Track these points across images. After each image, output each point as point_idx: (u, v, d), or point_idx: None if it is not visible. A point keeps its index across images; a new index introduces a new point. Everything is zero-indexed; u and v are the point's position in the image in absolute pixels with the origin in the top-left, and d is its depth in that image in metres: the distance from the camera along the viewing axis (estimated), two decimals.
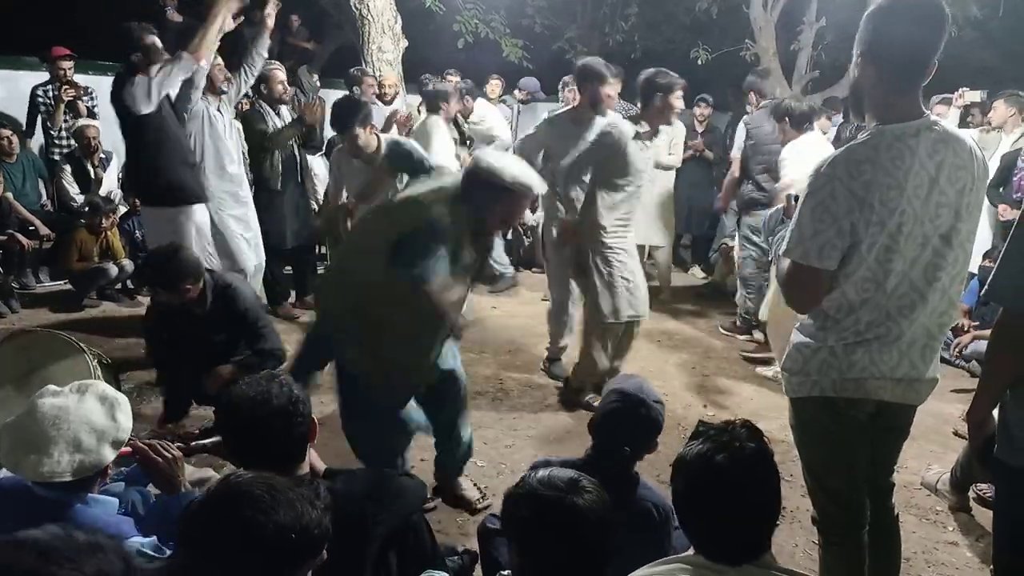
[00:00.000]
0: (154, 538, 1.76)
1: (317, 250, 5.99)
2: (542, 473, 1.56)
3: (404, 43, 6.68)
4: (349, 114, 4.01)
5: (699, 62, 9.53)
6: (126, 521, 1.87)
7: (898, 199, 1.79)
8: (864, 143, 1.81)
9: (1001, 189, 5.37)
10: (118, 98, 3.93)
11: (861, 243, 1.81)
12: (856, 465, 2.03)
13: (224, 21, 3.98)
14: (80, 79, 6.40)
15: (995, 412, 1.89)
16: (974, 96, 6.09)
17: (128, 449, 1.91)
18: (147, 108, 3.84)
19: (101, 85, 6.94)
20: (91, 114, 6.36)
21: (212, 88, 4.52)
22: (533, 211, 7.36)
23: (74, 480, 1.73)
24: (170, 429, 2.05)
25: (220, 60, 4.47)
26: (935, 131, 1.82)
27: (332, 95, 7.36)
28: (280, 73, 5.17)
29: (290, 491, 1.37)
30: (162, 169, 4.01)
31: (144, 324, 3.56)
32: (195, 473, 2.54)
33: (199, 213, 4.17)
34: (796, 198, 2.11)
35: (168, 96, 4.01)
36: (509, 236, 6.70)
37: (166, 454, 1.95)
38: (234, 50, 4.74)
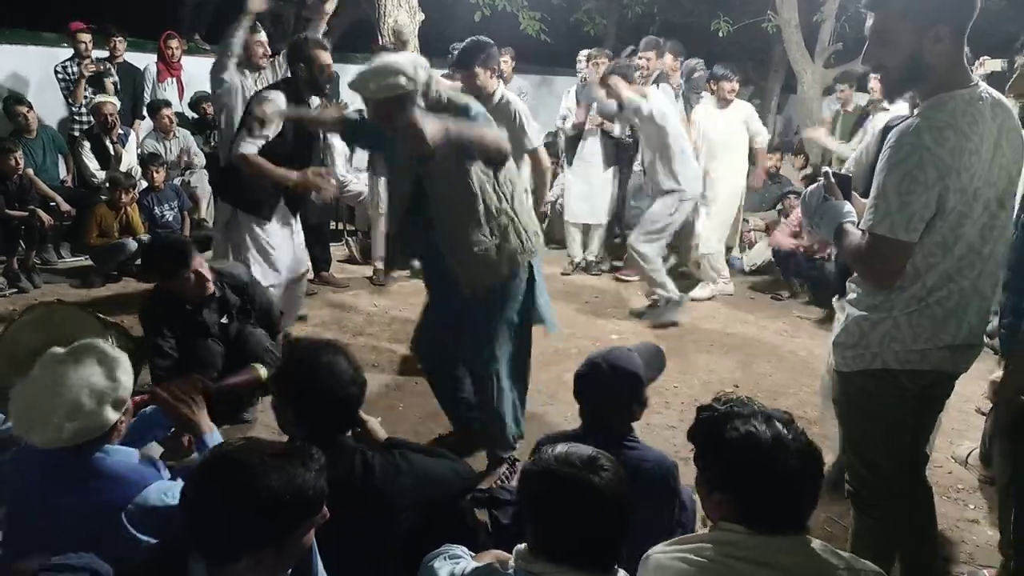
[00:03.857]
0: (180, 481, 1.79)
1: (335, 226, 5.98)
2: (559, 449, 1.55)
3: (420, 16, 6.60)
4: (471, 53, 3.93)
5: (719, 34, 9.37)
6: (148, 467, 1.88)
7: (976, 164, 1.76)
8: (941, 109, 1.77)
9: None
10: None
11: (943, 210, 1.77)
12: (902, 438, 2.02)
13: None
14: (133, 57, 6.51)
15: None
16: (995, 65, 5.91)
17: (139, 399, 1.94)
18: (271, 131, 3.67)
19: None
20: (114, 90, 6.37)
21: (250, 63, 4.31)
22: (550, 187, 7.33)
23: (81, 443, 1.76)
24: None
25: (264, 36, 4.28)
26: (990, 94, 1.80)
27: (347, 69, 7.28)
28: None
29: (281, 455, 1.42)
30: (246, 181, 3.81)
31: (143, 323, 3.41)
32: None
33: (268, 228, 4.04)
34: (834, 175, 2.03)
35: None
36: None
37: (186, 399, 1.99)
38: (274, 32, 4.60)
